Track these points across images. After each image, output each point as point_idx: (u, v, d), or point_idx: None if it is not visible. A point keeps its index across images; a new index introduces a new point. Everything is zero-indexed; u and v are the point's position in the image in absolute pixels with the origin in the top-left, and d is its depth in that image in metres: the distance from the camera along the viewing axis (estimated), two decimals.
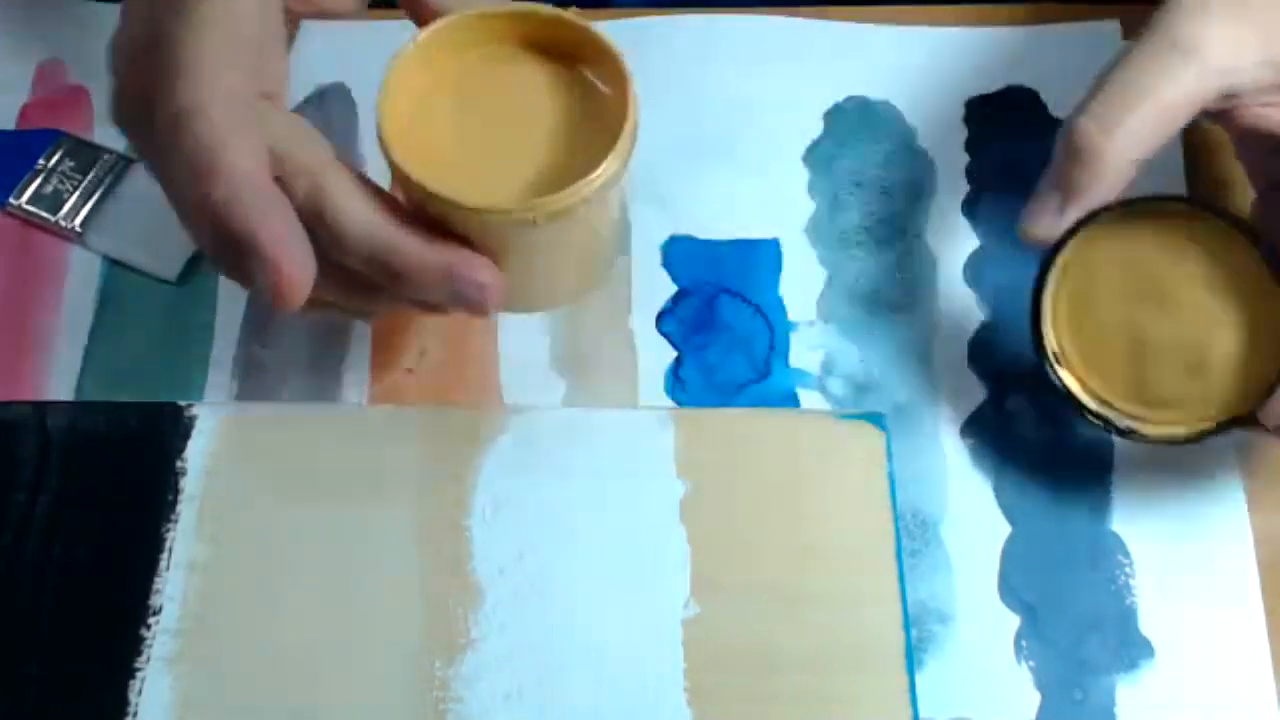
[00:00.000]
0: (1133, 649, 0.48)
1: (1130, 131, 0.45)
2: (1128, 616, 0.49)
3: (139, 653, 0.48)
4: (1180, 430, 0.47)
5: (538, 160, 0.44)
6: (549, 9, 0.45)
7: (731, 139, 0.59)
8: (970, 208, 0.57)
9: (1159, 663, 0.48)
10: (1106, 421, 0.47)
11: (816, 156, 0.58)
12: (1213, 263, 0.46)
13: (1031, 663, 0.48)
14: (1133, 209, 0.46)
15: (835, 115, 0.59)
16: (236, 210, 0.40)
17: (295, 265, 0.40)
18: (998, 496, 0.51)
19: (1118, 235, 0.47)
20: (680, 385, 0.53)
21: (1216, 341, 0.46)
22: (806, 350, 0.54)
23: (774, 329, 0.54)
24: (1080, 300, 0.47)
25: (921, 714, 0.46)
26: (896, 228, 0.57)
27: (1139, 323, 0.47)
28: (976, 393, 0.53)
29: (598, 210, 0.44)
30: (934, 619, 0.49)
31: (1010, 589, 0.49)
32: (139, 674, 0.47)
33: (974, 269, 0.56)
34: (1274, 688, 0.47)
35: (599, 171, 0.42)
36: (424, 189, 0.41)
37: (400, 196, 0.43)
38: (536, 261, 0.45)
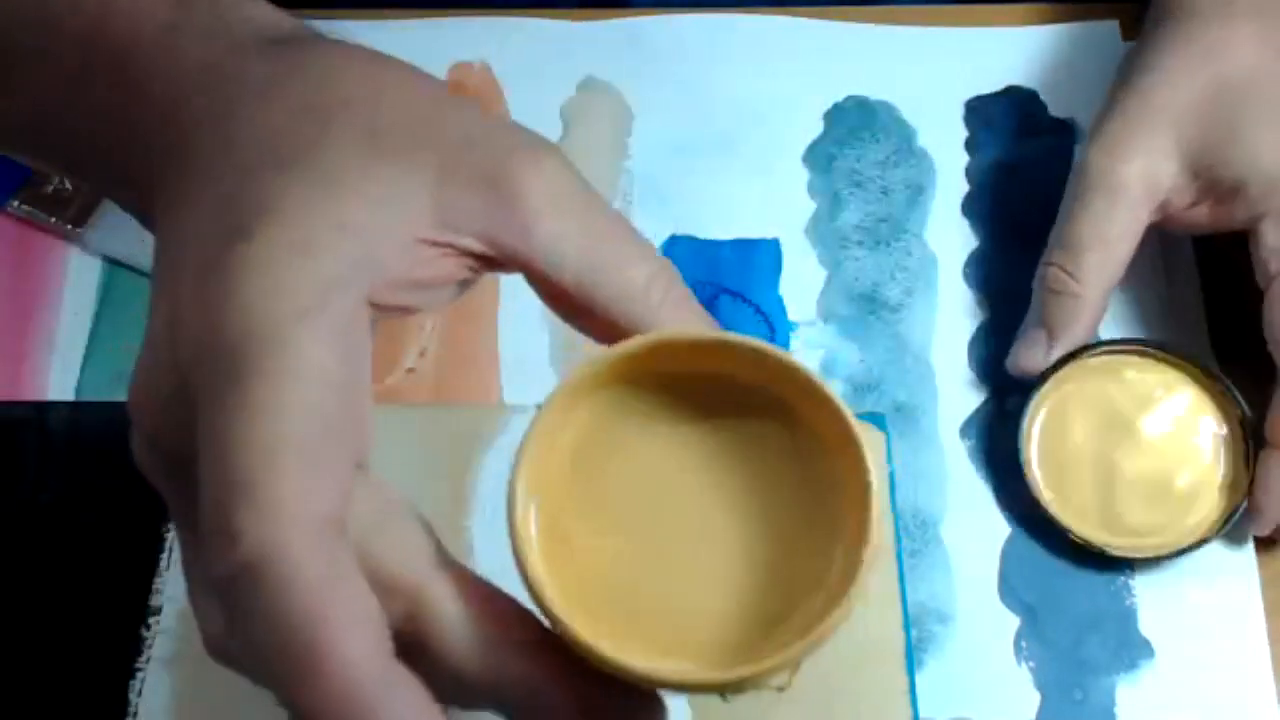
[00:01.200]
0: (1133, 649, 0.48)
1: (1093, 271, 0.49)
2: (1128, 616, 0.49)
3: (139, 653, 0.48)
4: (1150, 555, 0.49)
5: (730, 567, 0.31)
6: (759, 343, 0.31)
7: (732, 139, 0.59)
8: (970, 208, 0.57)
9: (1159, 663, 0.48)
10: (1084, 541, 0.49)
11: (816, 156, 0.58)
12: (1178, 402, 0.50)
13: (1031, 663, 0.48)
14: (1108, 351, 0.51)
15: (835, 115, 0.59)
16: None
17: None
18: (997, 496, 0.51)
19: (1093, 374, 0.51)
20: None
21: (1180, 475, 0.49)
22: (806, 350, 0.54)
23: (774, 329, 0.54)
24: (1056, 434, 0.50)
25: (921, 714, 0.46)
26: (896, 228, 0.57)
27: (1109, 456, 0.50)
28: (976, 393, 0.53)
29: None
30: (934, 619, 0.49)
31: (1010, 589, 0.49)
32: (139, 674, 0.47)
33: (974, 269, 0.56)
34: (1274, 688, 0.47)
35: (826, 625, 0.29)
36: (593, 652, 0.29)
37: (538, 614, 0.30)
38: (718, 704, 0.35)
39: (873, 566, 0.29)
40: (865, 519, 0.29)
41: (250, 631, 0.27)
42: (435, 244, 0.31)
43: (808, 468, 0.31)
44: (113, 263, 0.56)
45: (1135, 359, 0.51)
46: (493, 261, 0.32)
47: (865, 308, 0.55)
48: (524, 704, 0.30)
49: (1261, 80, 0.49)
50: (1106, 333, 0.53)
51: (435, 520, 0.50)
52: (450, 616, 0.29)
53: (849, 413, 0.30)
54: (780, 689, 0.30)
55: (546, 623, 0.30)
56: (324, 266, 0.29)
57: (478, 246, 0.31)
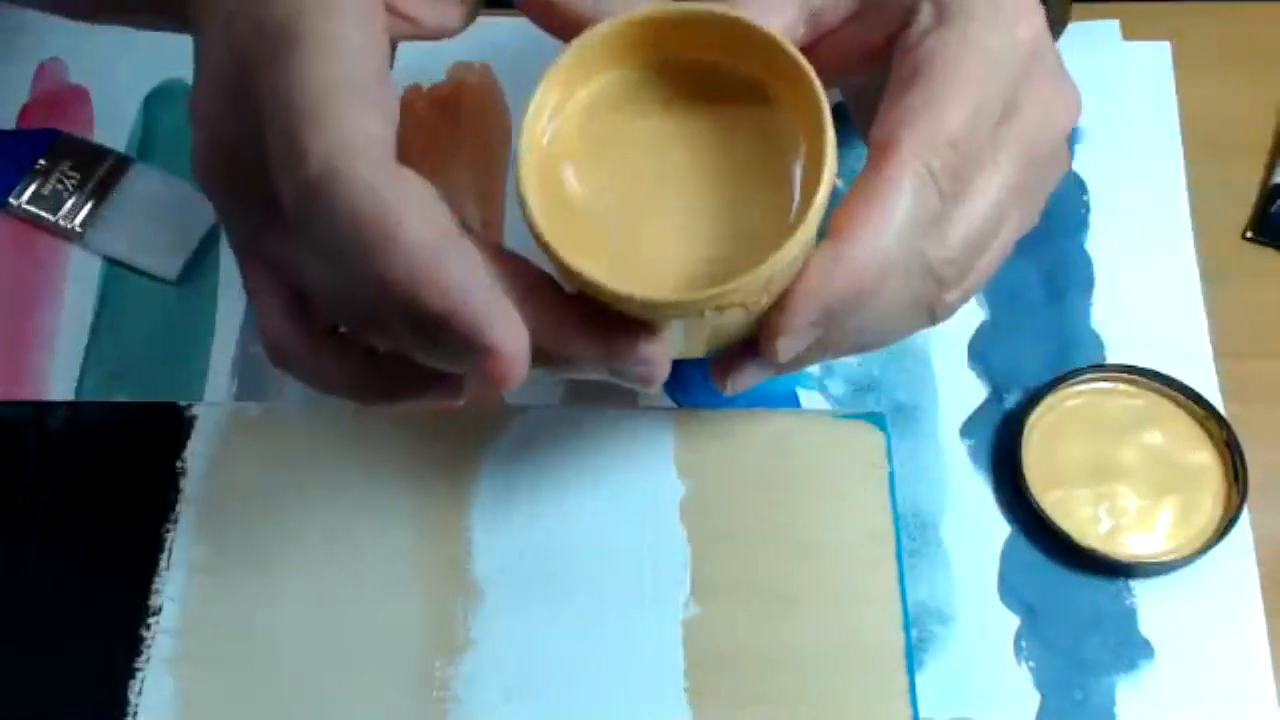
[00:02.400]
0: (1133, 649, 0.48)
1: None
2: (1128, 616, 0.49)
3: (139, 653, 0.48)
4: (1149, 562, 0.49)
5: (706, 221, 0.36)
6: (726, 10, 0.36)
7: None
8: None
9: (1159, 663, 0.48)
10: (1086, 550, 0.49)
11: None
12: (1170, 423, 0.51)
13: (1031, 663, 0.48)
14: (1103, 377, 0.52)
15: (834, 114, 0.59)
16: (428, 290, 0.32)
17: (510, 339, 0.33)
18: (997, 497, 0.51)
19: (1089, 395, 0.52)
20: (680, 385, 0.53)
21: (1175, 490, 0.50)
22: None
23: None
24: (1055, 447, 0.51)
25: (921, 714, 0.46)
26: None
27: (1106, 471, 0.50)
28: (976, 393, 0.53)
29: (783, 279, 0.35)
30: (934, 619, 0.49)
31: (1010, 589, 0.49)
32: (139, 674, 0.47)
33: None
34: (1274, 688, 0.47)
35: (785, 250, 0.34)
36: (582, 277, 0.34)
37: (546, 265, 0.36)
38: (706, 331, 0.38)
39: (820, 210, 0.34)
40: (820, 167, 0.35)
41: (326, 233, 0.33)
42: None
43: (775, 140, 0.37)
44: (113, 263, 0.56)
45: (1126, 385, 0.52)
46: None
47: None
48: (534, 341, 0.34)
49: None
50: (1111, 342, 0.53)
51: (435, 520, 0.50)
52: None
53: (805, 62, 0.36)
54: (753, 304, 0.35)
55: (549, 264, 0.35)
56: None
57: None
